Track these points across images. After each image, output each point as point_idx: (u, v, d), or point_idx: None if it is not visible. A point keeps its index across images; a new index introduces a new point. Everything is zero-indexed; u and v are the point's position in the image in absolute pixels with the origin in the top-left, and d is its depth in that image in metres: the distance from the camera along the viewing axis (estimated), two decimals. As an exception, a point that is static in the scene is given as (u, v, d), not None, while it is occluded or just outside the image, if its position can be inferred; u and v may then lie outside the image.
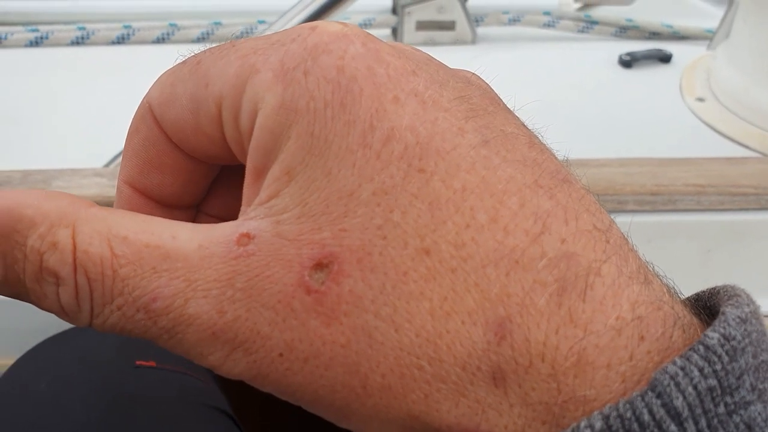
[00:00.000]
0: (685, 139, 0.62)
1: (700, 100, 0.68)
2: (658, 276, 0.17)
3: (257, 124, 0.16)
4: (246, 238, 0.16)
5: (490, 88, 0.19)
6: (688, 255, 0.54)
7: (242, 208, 0.17)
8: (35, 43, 0.82)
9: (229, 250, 0.16)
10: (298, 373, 0.16)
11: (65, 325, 0.46)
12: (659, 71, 0.75)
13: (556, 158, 0.17)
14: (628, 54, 0.75)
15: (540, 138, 0.18)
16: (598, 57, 0.77)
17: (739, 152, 0.60)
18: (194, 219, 0.22)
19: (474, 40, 0.82)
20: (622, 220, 0.18)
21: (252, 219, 0.16)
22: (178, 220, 0.18)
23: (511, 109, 0.19)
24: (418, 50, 0.19)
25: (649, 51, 0.76)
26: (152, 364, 0.41)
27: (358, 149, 0.16)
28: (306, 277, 0.15)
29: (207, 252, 0.16)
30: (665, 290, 0.16)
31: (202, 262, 0.16)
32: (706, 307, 0.17)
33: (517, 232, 0.15)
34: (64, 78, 0.75)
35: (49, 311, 0.17)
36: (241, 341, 0.16)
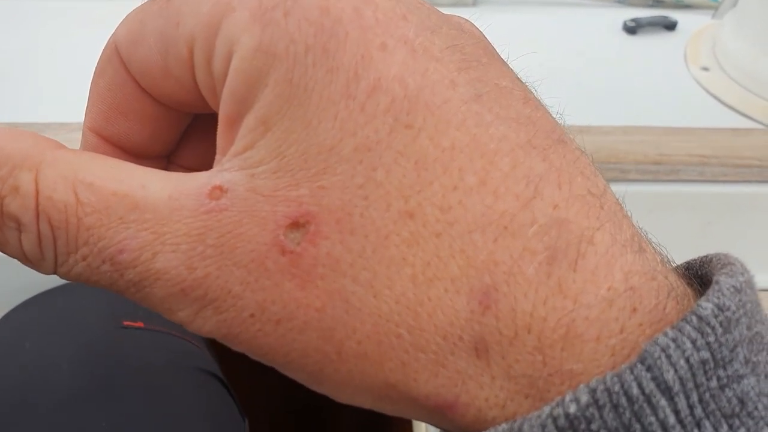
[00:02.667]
0: (688, 108, 0.61)
1: (705, 69, 0.66)
2: (651, 244, 0.16)
3: (231, 67, 0.15)
4: (218, 191, 0.15)
5: (484, 36, 0.18)
6: (688, 226, 0.53)
7: (216, 157, 0.16)
8: (24, -8, 0.80)
9: (200, 204, 0.15)
10: (269, 334, 0.15)
11: (50, 284, 0.45)
12: (664, 39, 0.73)
13: (551, 116, 0.16)
14: (633, 20, 0.74)
15: (535, 93, 0.17)
16: (603, 22, 0.75)
17: (743, 123, 0.59)
18: (165, 170, 0.21)
19: (475, 2, 0.80)
20: (623, 189, 0.17)
21: (226, 170, 0.15)
22: None
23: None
24: None
25: (654, 18, 0.74)
26: (140, 324, 0.41)
27: (341, 100, 0.15)
28: (281, 237, 0.15)
29: (177, 204, 0.15)
30: (658, 259, 0.16)
31: (171, 215, 0.15)
32: (698, 275, 0.16)
33: (507, 197, 0.14)
34: (53, 29, 0.73)
35: (12, 257, 0.16)
36: (211, 299, 0.15)
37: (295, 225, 0.15)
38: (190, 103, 0.18)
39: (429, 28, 0.16)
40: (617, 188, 0.16)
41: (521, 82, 0.17)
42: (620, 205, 0.16)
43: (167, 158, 0.20)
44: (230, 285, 0.15)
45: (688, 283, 0.16)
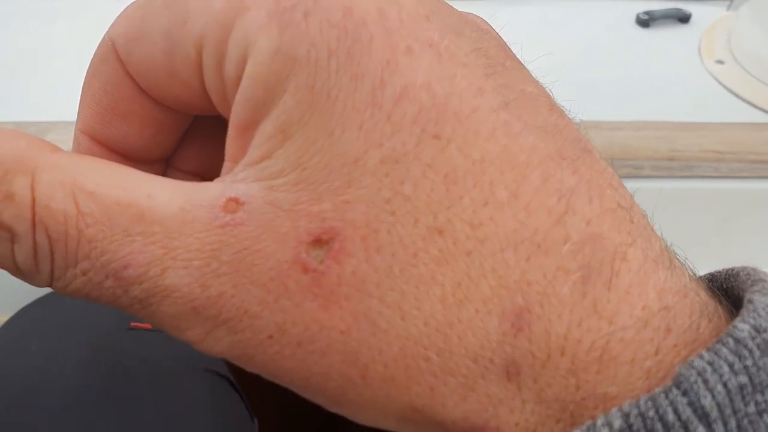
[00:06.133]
0: (702, 102, 0.60)
1: (720, 62, 0.65)
2: (677, 256, 0.15)
3: (247, 72, 0.14)
4: (234, 203, 0.14)
5: (501, 38, 0.17)
6: (703, 223, 0.52)
7: (226, 164, 0.15)
8: (33, -10, 0.80)
9: (214, 217, 0.14)
10: (288, 357, 0.14)
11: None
12: (678, 31, 0.72)
13: (574, 123, 0.16)
14: (646, 13, 0.73)
15: (554, 98, 0.16)
16: (615, 15, 0.74)
17: (760, 117, 0.58)
18: (164, 175, 0.19)
19: (486, -4, 0.80)
20: (637, 186, 0.16)
21: (241, 181, 0.14)
22: None
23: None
24: None
25: (667, 10, 0.73)
26: (147, 326, 0.40)
27: (366, 108, 0.14)
28: (303, 254, 0.14)
29: (189, 216, 0.14)
30: (687, 274, 0.15)
31: (183, 228, 0.14)
32: (723, 288, 0.16)
33: (539, 212, 0.14)
34: (62, 28, 0.72)
35: (1, 268, 0.15)
36: (225, 319, 0.14)
37: (318, 242, 0.14)
38: (195, 105, 0.17)
39: (452, 30, 0.15)
40: (630, 185, 0.16)
41: (543, 86, 0.16)
42: (646, 217, 0.15)
43: (165, 162, 0.19)
44: (247, 305, 0.14)
45: (715, 298, 0.15)
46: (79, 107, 0.18)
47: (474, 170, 0.14)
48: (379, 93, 0.14)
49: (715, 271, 0.16)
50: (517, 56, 0.17)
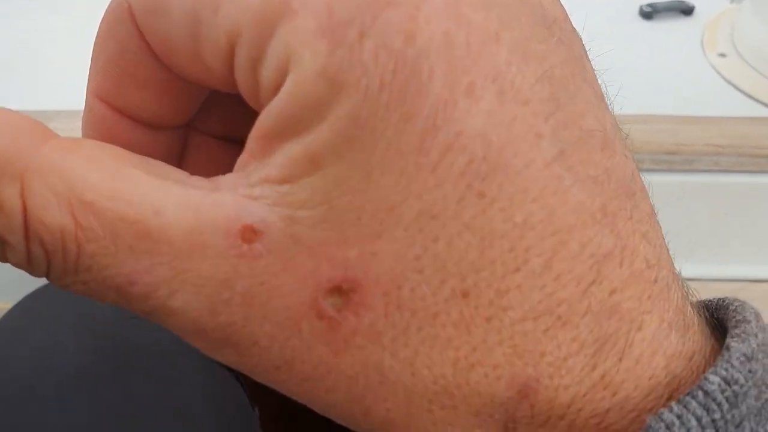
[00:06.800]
0: (704, 96, 0.60)
1: (722, 55, 0.65)
2: (688, 292, 0.16)
3: (286, 88, 0.13)
4: (251, 232, 0.13)
5: (572, 28, 0.15)
6: (703, 217, 0.52)
7: (243, 156, 0.14)
8: (34, -23, 0.79)
9: (230, 245, 0.13)
10: (294, 386, 0.14)
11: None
12: (681, 24, 0.72)
13: (624, 151, 0.15)
14: (650, 5, 0.72)
15: (609, 108, 0.15)
16: (618, 7, 0.74)
17: (761, 112, 0.58)
18: (185, 138, 0.18)
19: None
20: None
21: (257, 200, 0.13)
22: (164, 142, 0.15)
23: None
24: None
25: (671, 2, 0.73)
26: (151, 314, 0.40)
27: (411, 154, 0.13)
28: (320, 299, 0.13)
29: (200, 240, 0.13)
30: (695, 327, 0.15)
31: (193, 251, 0.13)
32: (715, 317, 0.16)
33: (569, 284, 0.13)
34: (65, 18, 0.72)
35: None
36: (233, 343, 0.14)
37: (338, 289, 0.13)
38: (219, 86, 0.15)
39: (521, 47, 0.13)
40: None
41: (602, 106, 0.15)
42: (672, 263, 0.15)
43: (186, 124, 0.18)
44: (257, 337, 0.14)
45: (719, 344, 0.15)
46: (91, 69, 0.16)
47: (513, 235, 0.13)
48: (429, 139, 0.13)
49: (708, 300, 0.17)
50: (586, 57, 0.15)
